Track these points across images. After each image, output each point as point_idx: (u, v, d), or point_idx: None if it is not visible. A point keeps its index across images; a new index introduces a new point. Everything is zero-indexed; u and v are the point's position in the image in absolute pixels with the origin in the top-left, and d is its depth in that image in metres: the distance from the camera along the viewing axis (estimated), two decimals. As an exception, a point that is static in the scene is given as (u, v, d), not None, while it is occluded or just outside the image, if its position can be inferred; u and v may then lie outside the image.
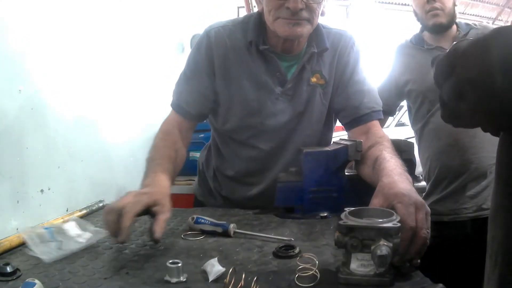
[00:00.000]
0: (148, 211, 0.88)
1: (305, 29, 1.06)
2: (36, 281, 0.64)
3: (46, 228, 0.92)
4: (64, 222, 0.98)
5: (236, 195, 1.25)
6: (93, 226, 0.99)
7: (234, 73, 1.15)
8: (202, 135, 1.86)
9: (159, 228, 0.85)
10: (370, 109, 1.16)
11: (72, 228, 0.95)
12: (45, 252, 0.83)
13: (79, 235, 0.93)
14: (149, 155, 1.10)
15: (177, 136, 1.17)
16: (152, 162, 1.06)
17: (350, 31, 1.23)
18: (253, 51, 1.13)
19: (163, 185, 0.97)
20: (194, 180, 1.48)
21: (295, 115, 1.16)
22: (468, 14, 12.16)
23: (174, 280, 0.70)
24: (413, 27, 1.69)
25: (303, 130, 1.18)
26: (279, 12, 1.03)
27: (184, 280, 0.70)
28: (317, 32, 1.15)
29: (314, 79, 1.16)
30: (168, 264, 0.71)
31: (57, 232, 0.93)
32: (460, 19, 1.63)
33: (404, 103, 1.77)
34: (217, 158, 1.28)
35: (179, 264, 0.71)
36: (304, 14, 1.03)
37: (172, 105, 1.22)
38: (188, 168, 1.37)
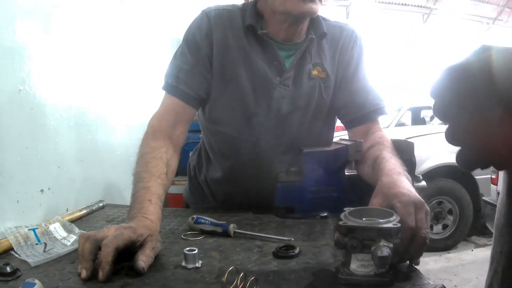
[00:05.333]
0: (131, 248, 0.75)
1: (318, 7, 1.02)
2: (36, 281, 0.64)
3: (30, 229, 0.91)
4: (49, 223, 0.96)
5: (230, 199, 1.21)
6: (78, 229, 0.98)
7: (231, 58, 1.09)
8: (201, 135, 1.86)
9: (145, 256, 0.74)
10: (375, 106, 1.15)
11: (57, 230, 0.94)
12: (31, 255, 0.82)
13: (64, 237, 0.93)
14: (136, 169, 0.97)
15: (167, 140, 1.04)
16: (138, 184, 0.92)
17: (351, 24, 1.21)
18: (251, 37, 1.10)
19: (152, 219, 0.85)
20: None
21: (292, 108, 1.11)
22: (468, 14, 12.18)
23: (190, 266, 0.75)
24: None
25: (300, 124, 1.13)
26: None
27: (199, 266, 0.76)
28: (315, 19, 1.12)
29: (315, 72, 1.12)
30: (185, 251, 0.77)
31: (42, 233, 0.92)
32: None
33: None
34: (205, 161, 1.23)
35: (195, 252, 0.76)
36: None
37: (166, 88, 1.10)
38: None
